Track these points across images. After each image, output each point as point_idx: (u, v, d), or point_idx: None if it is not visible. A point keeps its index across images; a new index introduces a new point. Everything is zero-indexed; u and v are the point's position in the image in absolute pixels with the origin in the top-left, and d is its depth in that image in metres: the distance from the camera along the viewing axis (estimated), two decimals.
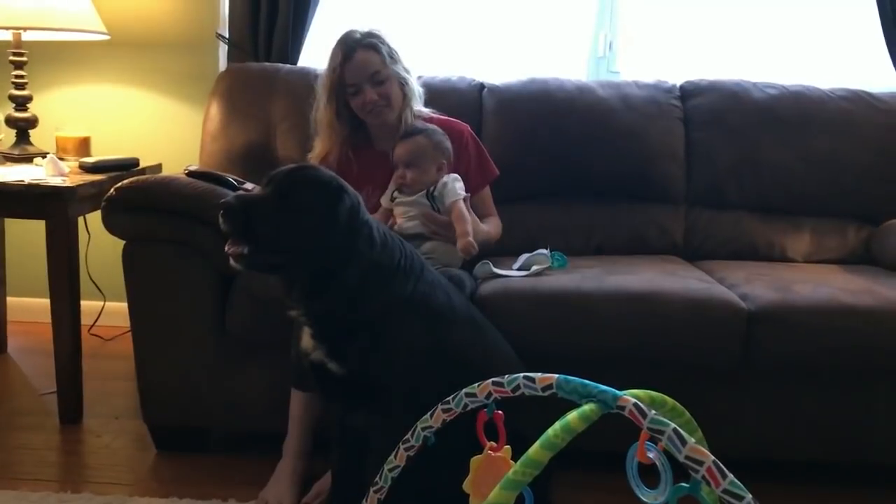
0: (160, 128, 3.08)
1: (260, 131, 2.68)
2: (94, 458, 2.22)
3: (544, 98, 2.68)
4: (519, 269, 2.18)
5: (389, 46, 2.26)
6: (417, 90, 2.34)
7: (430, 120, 2.34)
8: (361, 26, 2.28)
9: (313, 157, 2.33)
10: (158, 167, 2.92)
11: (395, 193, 2.20)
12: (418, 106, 2.34)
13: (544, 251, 2.23)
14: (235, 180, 2.23)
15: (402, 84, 2.27)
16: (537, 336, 2.00)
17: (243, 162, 2.65)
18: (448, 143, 2.23)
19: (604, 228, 2.65)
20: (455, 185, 2.16)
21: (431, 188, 2.15)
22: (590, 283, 2.07)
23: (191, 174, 2.19)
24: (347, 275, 1.59)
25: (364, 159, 2.32)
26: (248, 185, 2.30)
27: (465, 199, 2.16)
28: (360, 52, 2.22)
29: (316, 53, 2.95)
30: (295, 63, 2.93)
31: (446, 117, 2.37)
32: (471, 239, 2.08)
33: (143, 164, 2.79)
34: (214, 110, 2.72)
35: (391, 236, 1.70)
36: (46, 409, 2.48)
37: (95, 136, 2.90)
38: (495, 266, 2.16)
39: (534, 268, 2.16)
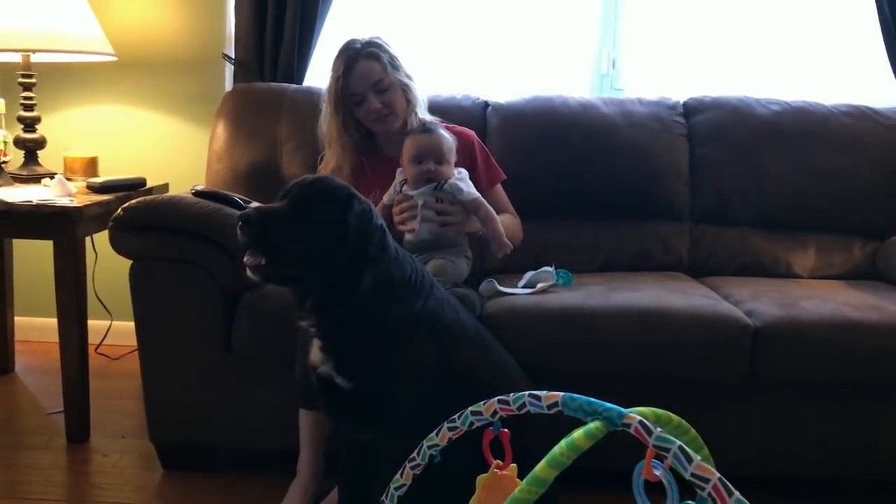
0: (167, 148, 3.10)
1: (266, 151, 2.70)
2: (102, 478, 2.22)
3: (548, 115, 2.70)
4: (524, 287, 2.18)
5: (391, 54, 2.28)
6: (421, 96, 2.35)
7: (443, 127, 2.34)
8: (362, 36, 2.31)
9: (324, 170, 2.33)
10: (165, 187, 2.94)
11: (400, 188, 2.18)
12: (423, 112, 2.36)
13: (549, 268, 2.24)
14: (242, 200, 2.24)
15: (405, 90, 2.30)
16: (543, 353, 2.00)
17: (249, 181, 2.66)
18: (454, 148, 2.22)
19: (609, 245, 2.66)
20: (468, 180, 2.16)
21: (441, 182, 2.13)
22: (595, 300, 2.08)
23: (197, 194, 2.20)
24: (361, 284, 1.60)
25: (373, 165, 2.33)
26: (254, 204, 2.31)
27: None
28: (361, 61, 2.24)
29: (321, 73, 2.97)
30: (300, 83, 2.96)
31: (451, 124, 2.39)
32: (505, 239, 2.09)
33: (150, 184, 2.80)
34: (220, 130, 2.74)
35: (403, 252, 1.72)
36: (54, 429, 2.48)
37: (103, 157, 2.92)
38: (500, 284, 2.17)
39: (539, 285, 2.17)
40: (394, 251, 1.67)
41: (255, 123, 2.72)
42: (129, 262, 2.15)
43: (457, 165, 2.21)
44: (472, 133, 2.38)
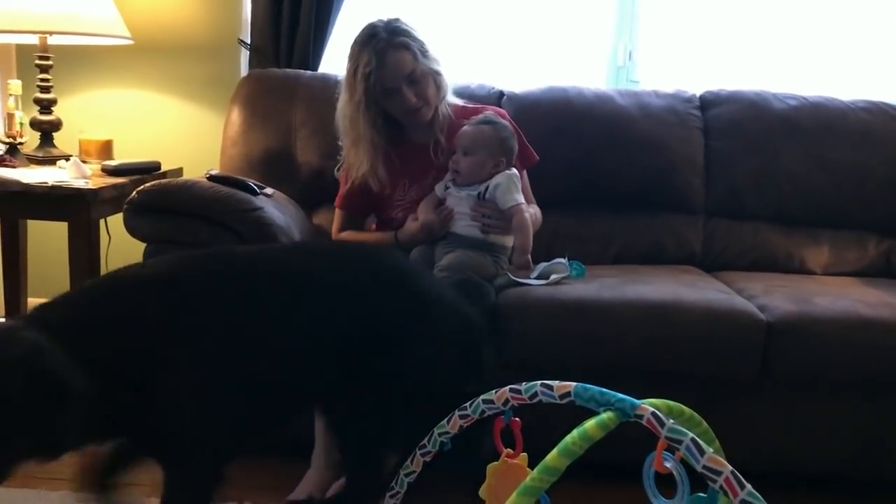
0: (182, 132, 3.10)
1: (280, 137, 2.70)
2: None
3: (563, 106, 2.69)
4: (537, 278, 2.18)
5: (419, 41, 2.20)
6: (448, 80, 2.29)
7: (463, 109, 2.33)
8: (382, 20, 2.20)
9: (353, 173, 2.27)
10: (179, 171, 2.95)
11: (449, 184, 2.18)
12: (451, 97, 2.32)
13: (563, 260, 2.23)
14: (256, 185, 2.24)
15: (435, 77, 2.23)
16: (555, 345, 2.00)
17: (263, 167, 2.66)
18: (514, 144, 2.20)
19: (622, 238, 2.65)
20: (511, 186, 2.15)
21: (483, 188, 2.13)
22: (609, 293, 2.07)
23: (212, 178, 2.21)
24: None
25: (401, 155, 2.30)
26: (269, 190, 2.32)
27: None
28: (391, 53, 2.14)
29: (336, 60, 2.97)
30: (316, 69, 2.95)
31: (480, 105, 2.38)
32: (529, 256, 2.10)
33: (164, 168, 2.81)
34: (235, 115, 2.74)
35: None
36: None
37: (118, 140, 2.93)
38: (514, 275, 2.17)
39: (552, 277, 2.16)
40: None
41: (270, 109, 2.72)
42: (142, 245, 2.16)
43: (510, 162, 2.20)
44: (503, 112, 2.35)
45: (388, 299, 1.57)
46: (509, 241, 2.19)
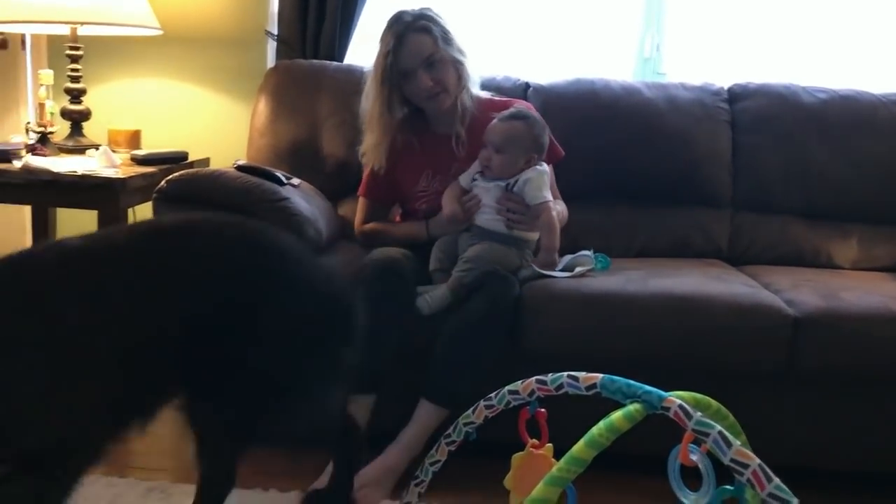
0: (209, 122, 3.13)
1: (306, 128, 2.72)
2: (140, 445, 2.25)
3: (590, 98, 2.68)
4: (562, 271, 2.18)
5: (443, 27, 2.20)
6: (474, 73, 2.28)
7: (490, 102, 2.33)
8: (413, 7, 2.22)
9: (364, 150, 2.31)
10: (206, 161, 2.97)
11: (477, 176, 2.17)
12: (475, 89, 2.31)
13: (587, 252, 2.23)
14: (284, 175, 2.26)
15: (457, 66, 2.22)
16: (580, 337, 2.00)
17: (290, 158, 2.68)
18: (546, 140, 2.18)
19: (647, 231, 2.64)
20: (541, 183, 2.14)
21: (512, 181, 2.12)
22: (634, 286, 2.07)
23: (240, 168, 2.23)
24: None
25: (424, 143, 2.30)
26: (295, 181, 2.34)
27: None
28: (411, 35, 2.16)
29: (363, 52, 2.98)
30: (341, 61, 2.96)
31: (508, 98, 2.37)
32: (556, 257, 2.10)
33: (191, 158, 2.84)
34: (262, 106, 2.76)
35: None
36: None
37: (146, 130, 2.96)
38: (538, 267, 2.17)
39: (577, 269, 2.16)
40: None
41: (297, 100, 2.74)
42: None
43: (541, 157, 2.18)
44: (530, 106, 2.34)
45: (237, 273, 1.43)
46: (534, 235, 2.19)
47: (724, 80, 2.80)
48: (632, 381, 1.19)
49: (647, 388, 1.16)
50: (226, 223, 1.50)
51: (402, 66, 2.18)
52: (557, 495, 1.05)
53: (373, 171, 2.32)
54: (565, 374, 1.26)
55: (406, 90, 2.23)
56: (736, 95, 2.74)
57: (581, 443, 1.07)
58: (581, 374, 1.25)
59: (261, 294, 1.41)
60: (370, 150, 2.29)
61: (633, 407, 1.13)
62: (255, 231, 1.51)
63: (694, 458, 1.23)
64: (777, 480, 0.97)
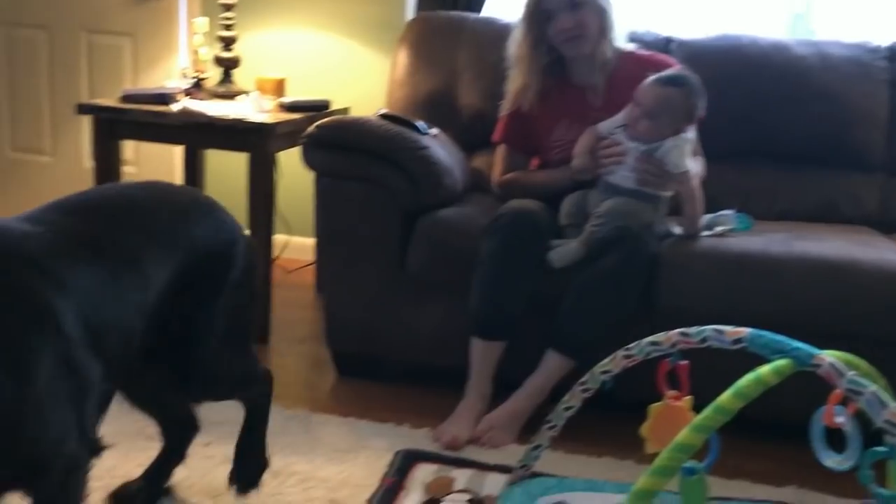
0: (350, 73, 3.21)
1: (444, 80, 2.75)
2: (280, 376, 2.36)
3: (735, 55, 2.60)
4: (702, 230, 2.14)
5: None
6: (618, 23, 2.26)
7: (634, 56, 2.31)
8: None
9: (509, 93, 2.32)
10: (346, 111, 3.05)
11: (618, 130, 2.15)
12: (619, 42, 2.29)
13: (729, 212, 2.18)
14: (424, 126, 2.31)
15: (601, 14, 2.21)
16: (717, 297, 1.98)
17: (427, 109, 2.71)
18: (701, 108, 2.14)
19: (788, 194, 2.55)
20: (685, 150, 2.10)
21: (655, 146, 2.09)
22: (777, 248, 2.02)
23: (383, 117, 2.29)
24: None
25: (560, 92, 2.30)
26: (434, 131, 2.38)
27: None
28: None
29: (502, 3, 2.98)
30: (480, 12, 2.97)
31: (652, 54, 2.34)
32: (699, 225, 2.09)
33: (332, 107, 2.93)
34: (402, 57, 2.81)
35: None
36: None
37: (291, 78, 3.07)
38: (677, 225, 2.14)
39: (717, 228, 2.12)
40: None
41: (436, 52, 2.77)
42: (308, 182, 2.26)
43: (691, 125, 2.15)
44: (675, 64, 2.30)
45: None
46: (668, 193, 2.16)
47: (881, 38, 2.65)
48: (781, 337, 1.18)
49: (797, 343, 1.15)
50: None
51: (546, 6, 2.19)
52: (701, 443, 1.06)
53: (513, 116, 2.33)
54: (711, 327, 1.26)
55: (549, 33, 2.23)
56: None
57: (728, 393, 1.07)
58: (727, 328, 1.24)
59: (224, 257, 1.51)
60: (514, 92, 2.31)
61: (782, 362, 1.12)
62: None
63: (839, 420, 1.21)
64: None
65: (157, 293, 1.38)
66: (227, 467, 1.69)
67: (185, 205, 1.50)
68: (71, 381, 1.19)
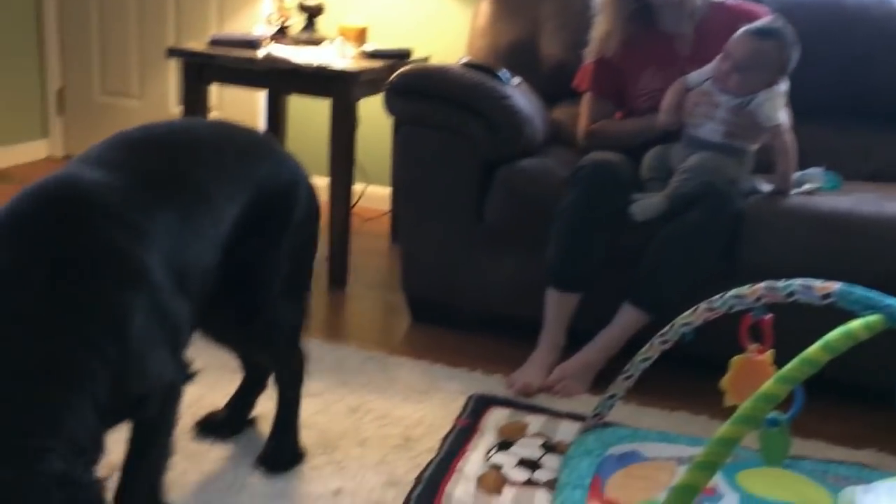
0: (431, 21, 3.20)
1: (527, 29, 2.72)
2: (357, 320, 2.47)
3: (832, 6, 2.49)
4: None
5: None
6: None
7: (724, 6, 2.25)
8: None
9: (594, 39, 2.29)
10: (427, 60, 3.05)
11: (708, 83, 2.10)
12: None
13: (817, 170, 2.13)
14: (507, 75, 2.30)
15: None
16: (802, 256, 1.93)
17: (508, 59, 2.68)
18: (794, 61, 2.08)
19: (882, 154, 2.45)
20: (778, 103, 2.06)
21: (746, 100, 2.05)
22: (867, 208, 1.96)
23: (467, 65, 2.29)
24: None
25: (648, 40, 2.26)
26: (516, 80, 2.37)
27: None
28: None
29: None
30: None
31: (744, 3, 2.27)
32: (791, 181, 2.04)
33: (413, 56, 2.93)
34: (484, 6, 2.78)
35: None
36: (318, 273, 2.75)
37: (372, 27, 3.08)
38: (764, 182, 2.09)
39: (805, 186, 2.07)
40: None
41: (519, 1, 2.74)
42: (386, 131, 2.27)
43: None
44: (766, 13, 2.23)
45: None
46: (754, 146, 2.11)
47: None
48: (872, 293, 1.16)
49: (891, 299, 1.12)
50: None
51: None
52: (786, 394, 1.05)
53: (599, 64, 2.30)
54: (798, 281, 1.25)
55: None
56: None
57: (816, 345, 1.06)
58: (816, 282, 1.22)
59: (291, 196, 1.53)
60: (598, 39, 2.28)
61: (874, 318, 1.10)
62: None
63: None
64: None
65: (228, 229, 1.41)
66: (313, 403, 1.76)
67: (248, 143, 1.52)
68: (163, 325, 1.25)
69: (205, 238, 1.37)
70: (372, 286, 2.70)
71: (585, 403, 1.90)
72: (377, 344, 2.27)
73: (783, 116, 2.07)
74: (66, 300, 1.13)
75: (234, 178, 1.43)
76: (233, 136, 1.52)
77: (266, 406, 1.76)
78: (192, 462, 1.61)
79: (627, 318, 2.03)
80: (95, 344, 1.13)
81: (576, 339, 2.09)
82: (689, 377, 1.97)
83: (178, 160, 1.38)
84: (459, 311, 2.38)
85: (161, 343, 1.25)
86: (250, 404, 1.78)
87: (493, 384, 2.03)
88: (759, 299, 1.31)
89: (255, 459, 1.65)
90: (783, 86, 2.08)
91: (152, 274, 1.23)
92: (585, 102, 2.36)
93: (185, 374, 1.37)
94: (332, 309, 2.53)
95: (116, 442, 1.28)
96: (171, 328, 1.27)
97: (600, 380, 1.98)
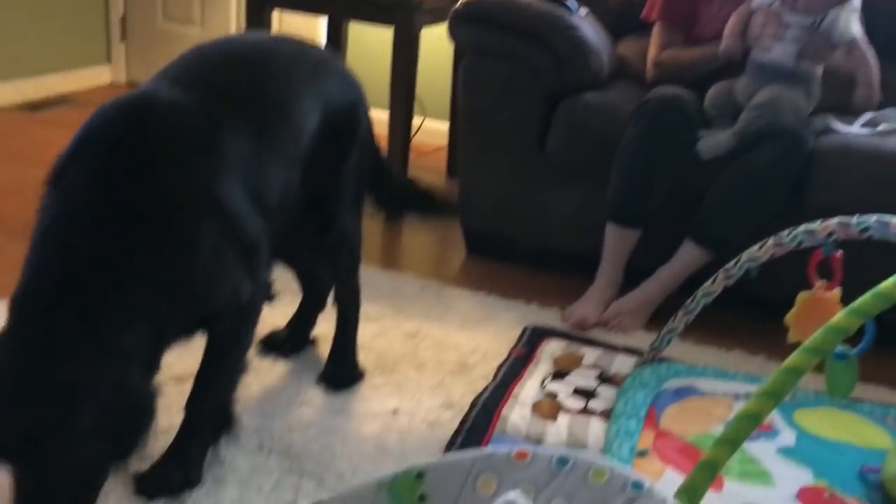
0: None
1: None
2: (414, 251, 2.49)
3: None
4: (863, 127, 2.02)
5: None
6: None
7: None
8: None
9: None
10: None
11: (776, 4, 2.03)
12: None
13: (893, 110, 2.05)
14: (574, 5, 2.25)
15: None
16: (874, 197, 1.86)
17: None
18: None
19: None
20: (851, 19, 1.99)
21: (819, 18, 1.98)
22: None
23: None
24: None
25: None
26: (583, 11, 2.32)
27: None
28: None
29: None
30: None
31: None
32: (877, 88, 1.99)
33: None
34: None
35: None
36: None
37: None
38: (836, 120, 2.03)
39: (880, 126, 2.00)
40: None
41: None
42: (446, 63, 2.22)
43: None
44: None
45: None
46: (819, 70, 2.04)
47: None
48: None
49: None
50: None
51: None
52: (856, 327, 1.04)
53: None
54: (874, 217, 1.22)
55: None
56: None
57: (891, 280, 1.04)
58: (893, 218, 1.19)
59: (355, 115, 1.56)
60: None
61: None
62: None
63: None
64: None
65: (305, 144, 1.43)
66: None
67: (317, 60, 1.54)
68: (235, 245, 1.27)
69: (284, 154, 1.39)
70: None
71: (641, 339, 1.90)
72: (433, 274, 2.29)
73: (857, 29, 2.00)
74: (134, 223, 1.16)
75: (309, 94, 1.44)
76: (303, 51, 1.53)
77: (324, 328, 1.79)
78: (255, 376, 1.66)
79: (689, 255, 2.01)
80: (159, 265, 1.17)
81: (632, 276, 2.08)
82: (747, 317, 1.96)
83: (254, 74, 1.39)
84: (516, 244, 2.38)
85: (234, 263, 1.28)
86: (310, 323, 1.82)
87: (548, 317, 2.04)
88: (830, 235, 1.29)
89: (316, 377, 1.69)
90: (856, 1, 2.00)
91: (225, 199, 1.25)
92: (655, 33, 2.29)
93: (264, 294, 1.40)
94: (389, 239, 2.55)
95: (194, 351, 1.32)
96: (246, 248, 1.29)
97: (656, 318, 1.97)
